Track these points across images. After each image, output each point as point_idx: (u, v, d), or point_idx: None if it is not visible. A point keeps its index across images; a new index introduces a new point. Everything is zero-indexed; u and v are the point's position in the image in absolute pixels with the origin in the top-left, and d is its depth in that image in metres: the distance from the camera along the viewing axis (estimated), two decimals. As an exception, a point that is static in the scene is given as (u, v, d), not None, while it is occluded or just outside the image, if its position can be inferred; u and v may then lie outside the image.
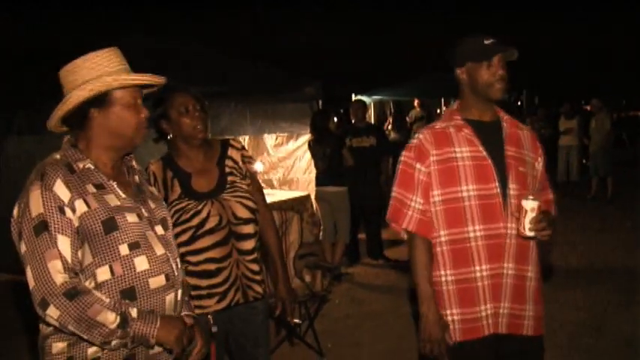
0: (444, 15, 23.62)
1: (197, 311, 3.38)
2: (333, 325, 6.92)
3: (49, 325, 2.47)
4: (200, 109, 3.61)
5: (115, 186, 2.60)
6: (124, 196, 2.60)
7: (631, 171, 16.29)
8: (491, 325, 3.22)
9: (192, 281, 3.48)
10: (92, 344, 2.46)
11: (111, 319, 2.37)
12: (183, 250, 3.45)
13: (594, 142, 13.98)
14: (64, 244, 2.39)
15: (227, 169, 3.71)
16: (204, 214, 3.54)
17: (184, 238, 3.51)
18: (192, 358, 2.72)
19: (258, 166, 7.83)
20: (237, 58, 10.16)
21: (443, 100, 21.00)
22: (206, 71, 8.18)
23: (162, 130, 3.65)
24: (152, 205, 2.77)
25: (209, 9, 20.06)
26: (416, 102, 18.98)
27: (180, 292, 2.73)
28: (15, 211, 2.47)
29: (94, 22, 15.74)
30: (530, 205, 3.02)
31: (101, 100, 2.53)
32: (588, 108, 15.63)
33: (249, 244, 3.67)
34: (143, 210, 2.67)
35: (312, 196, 8.74)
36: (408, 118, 19.03)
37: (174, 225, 3.36)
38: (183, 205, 3.54)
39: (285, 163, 10.32)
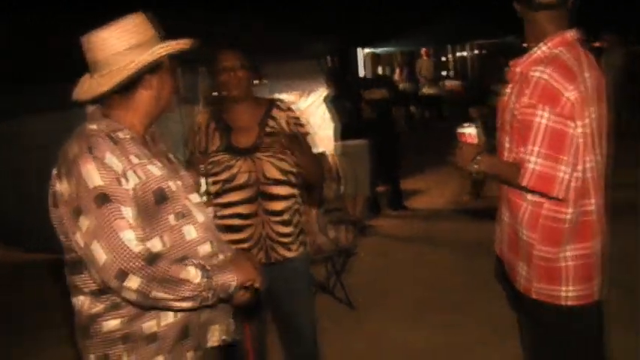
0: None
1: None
2: (360, 278, 6.95)
3: (97, 303, 2.43)
4: (240, 67, 3.62)
5: (150, 155, 2.56)
6: (160, 165, 2.56)
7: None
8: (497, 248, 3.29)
9: None
10: (148, 319, 2.44)
11: (193, 273, 2.33)
12: (213, 201, 3.48)
13: (607, 77, 13.77)
14: (129, 213, 2.32)
15: (268, 129, 3.69)
16: (235, 170, 3.56)
17: (214, 189, 3.53)
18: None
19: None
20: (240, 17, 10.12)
21: (450, 47, 20.90)
22: (212, 33, 8.13)
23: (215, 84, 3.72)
24: (183, 173, 2.76)
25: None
26: (423, 51, 18.87)
27: (219, 256, 2.73)
28: (63, 188, 2.38)
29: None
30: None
31: (155, 65, 2.51)
32: (596, 44, 15.34)
33: (278, 205, 3.65)
34: (178, 179, 2.64)
35: (328, 152, 8.74)
36: (417, 69, 18.97)
37: (209, 175, 3.44)
38: (218, 158, 3.58)
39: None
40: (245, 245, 3.59)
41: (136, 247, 2.27)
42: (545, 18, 2.92)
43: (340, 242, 6.93)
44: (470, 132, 3.05)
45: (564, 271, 2.94)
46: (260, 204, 3.62)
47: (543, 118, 2.73)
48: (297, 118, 3.84)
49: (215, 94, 3.74)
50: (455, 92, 18.89)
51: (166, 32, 2.65)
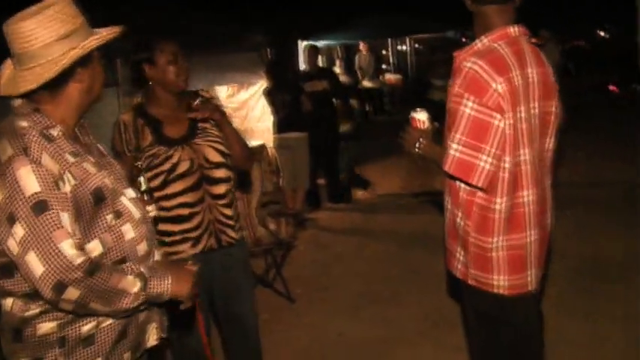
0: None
1: (172, 258, 3.40)
2: (300, 271, 6.96)
3: (31, 305, 2.33)
4: (184, 60, 3.62)
5: (83, 149, 2.45)
6: (94, 160, 2.45)
7: (577, 99, 16.54)
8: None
9: (166, 227, 3.50)
10: (86, 322, 2.36)
11: (132, 282, 2.27)
12: (156, 195, 3.41)
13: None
14: (67, 220, 2.21)
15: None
16: (175, 159, 3.52)
17: (156, 183, 3.48)
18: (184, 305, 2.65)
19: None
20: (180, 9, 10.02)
21: (390, 41, 21.02)
22: (152, 23, 8.02)
23: (144, 76, 3.61)
24: (115, 165, 2.66)
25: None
26: (362, 45, 18.94)
27: (157, 252, 2.67)
28: None
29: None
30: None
31: (86, 57, 2.39)
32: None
33: (221, 189, 3.66)
34: (112, 173, 2.54)
35: (269, 146, 8.73)
36: (356, 62, 19.04)
37: (147, 170, 3.40)
38: (154, 151, 3.52)
39: (238, 113, 10.23)
40: (195, 233, 3.58)
41: (76, 258, 2.18)
42: (492, 12, 2.94)
43: (280, 235, 6.93)
44: (420, 117, 3.12)
45: (496, 261, 2.97)
46: (205, 189, 3.61)
47: (467, 107, 2.77)
48: (221, 106, 3.86)
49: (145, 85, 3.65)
50: (395, 86, 19.05)
51: (101, 21, 2.56)
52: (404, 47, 22.14)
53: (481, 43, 2.94)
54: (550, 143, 3.10)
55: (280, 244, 6.57)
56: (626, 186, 8.72)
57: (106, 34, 2.44)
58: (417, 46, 21.57)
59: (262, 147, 8.42)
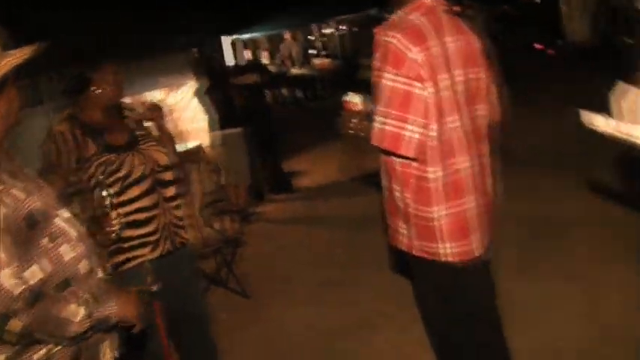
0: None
1: (131, 263, 3.46)
2: (252, 266, 6.93)
3: None
4: (119, 77, 3.68)
5: (9, 176, 2.32)
6: (22, 185, 2.34)
7: (506, 60, 16.81)
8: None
9: (125, 233, 3.45)
10: (38, 350, 2.26)
11: (75, 310, 2.22)
12: (114, 201, 3.39)
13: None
14: (5, 249, 2.13)
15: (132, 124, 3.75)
16: (128, 165, 3.52)
17: (114, 190, 3.45)
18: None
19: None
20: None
21: (315, 26, 21.02)
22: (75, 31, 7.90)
23: (84, 87, 3.60)
24: (46, 188, 2.58)
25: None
26: (286, 34, 18.93)
27: (97, 269, 2.62)
28: None
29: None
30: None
31: (1, 83, 2.25)
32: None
33: (172, 191, 3.70)
34: (43, 196, 2.42)
35: (206, 145, 8.68)
36: (283, 51, 19.04)
37: (105, 177, 3.41)
38: (103, 159, 3.49)
39: (171, 116, 10.17)
40: (154, 237, 3.58)
41: (16, 287, 2.11)
42: None
43: (226, 233, 6.91)
44: (353, 100, 3.13)
45: (439, 229, 3.01)
46: (159, 193, 3.63)
47: (388, 79, 2.81)
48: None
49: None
50: (325, 70, 19.07)
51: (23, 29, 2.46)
52: (331, 30, 22.14)
53: (397, 16, 2.98)
54: (482, 110, 3.14)
55: (228, 242, 6.54)
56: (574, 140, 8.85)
57: (20, 53, 2.29)
58: (342, 27, 21.56)
59: (199, 147, 8.37)
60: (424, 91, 2.83)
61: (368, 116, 3.07)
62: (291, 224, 8.43)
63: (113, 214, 3.26)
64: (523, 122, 11.05)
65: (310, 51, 21.14)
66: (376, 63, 2.89)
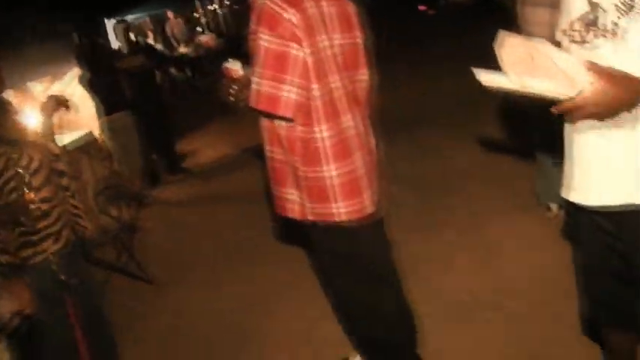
0: None
1: (39, 257, 3.34)
2: (153, 251, 6.86)
3: None
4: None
5: None
6: None
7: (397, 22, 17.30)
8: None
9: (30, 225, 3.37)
10: None
11: None
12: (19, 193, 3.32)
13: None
14: None
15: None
16: (26, 156, 3.39)
17: (16, 182, 3.35)
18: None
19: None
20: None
21: (198, 2, 20.82)
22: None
23: None
24: None
25: None
26: (169, 13, 18.70)
27: None
28: None
29: None
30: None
31: None
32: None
33: (66, 180, 3.62)
34: None
35: (96, 132, 8.50)
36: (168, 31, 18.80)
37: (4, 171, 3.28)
38: (1, 151, 3.36)
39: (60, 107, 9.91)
40: (56, 228, 3.47)
41: None
42: None
43: (124, 219, 6.80)
44: (232, 66, 3.10)
45: (331, 188, 3.04)
46: (55, 182, 3.54)
47: (264, 40, 2.81)
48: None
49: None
50: (211, 46, 18.94)
51: None
52: (215, 6, 21.95)
53: None
54: (362, 74, 3.19)
55: (125, 228, 6.45)
56: (460, 97, 9.08)
57: None
58: (226, 2, 21.41)
59: (89, 134, 8.17)
60: (300, 52, 2.84)
61: (248, 82, 3.09)
62: (188, 205, 8.36)
63: (31, 194, 3.19)
64: (408, 83, 11.36)
65: (199, 29, 20.95)
66: (252, 26, 2.89)
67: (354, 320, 3.59)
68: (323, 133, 2.98)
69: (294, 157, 3.05)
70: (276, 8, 2.81)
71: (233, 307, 5.22)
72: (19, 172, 3.33)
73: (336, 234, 3.17)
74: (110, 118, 8.36)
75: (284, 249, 5.87)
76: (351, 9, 3.14)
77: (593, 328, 3.05)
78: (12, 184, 3.26)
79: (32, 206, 3.29)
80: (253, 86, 2.84)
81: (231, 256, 6.22)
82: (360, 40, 3.16)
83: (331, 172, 3.03)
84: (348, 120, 3.05)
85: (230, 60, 3.13)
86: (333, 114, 2.99)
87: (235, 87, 3.08)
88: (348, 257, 3.27)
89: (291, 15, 2.81)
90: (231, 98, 3.08)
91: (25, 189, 3.25)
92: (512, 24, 4.28)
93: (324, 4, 2.96)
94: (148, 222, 7.74)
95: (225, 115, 9.37)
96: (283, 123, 3.00)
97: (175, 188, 9.27)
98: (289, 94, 2.84)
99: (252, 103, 2.87)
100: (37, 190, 3.42)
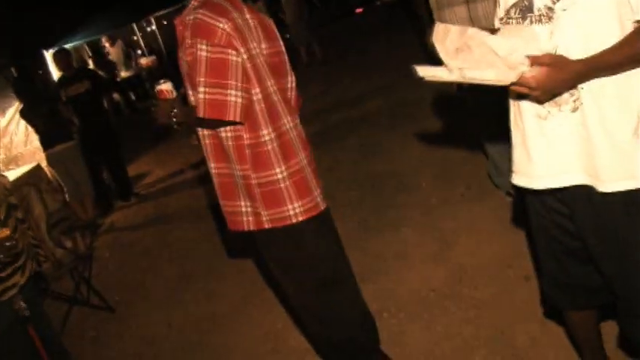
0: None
1: (9, 293, 3.34)
2: (112, 278, 6.83)
3: None
4: None
5: None
6: None
7: (332, 27, 17.35)
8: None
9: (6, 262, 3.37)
10: None
11: None
12: None
13: (289, 15, 14.49)
14: None
15: None
16: None
17: None
18: None
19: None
20: None
21: (135, 26, 20.70)
22: None
23: None
24: None
25: None
26: (104, 39, 18.68)
27: None
28: None
29: None
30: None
31: None
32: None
33: (20, 213, 3.62)
34: None
35: (43, 164, 8.44)
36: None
37: None
38: None
39: (2, 142, 9.82)
40: (21, 261, 3.46)
41: None
42: None
43: (79, 249, 6.76)
44: (165, 87, 3.13)
45: (286, 190, 3.09)
46: (14, 216, 3.52)
47: (203, 50, 2.85)
48: None
49: None
50: (151, 67, 18.90)
51: None
52: (153, 27, 21.82)
53: (194, 1, 3.04)
54: (291, 82, 3.28)
55: (82, 259, 6.38)
56: (398, 95, 9.18)
57: None
58: (165, 22, 21.27)
59: (37, 168, 8.10)
60: (239, 57, 2.90)
61: (182, 100, 3.12)
62: (144, 228, 8.31)
63: (5, 230, 3.19)
64: (347, 86, 11.47)
65: (137, 51, 20.84)
66: (187, 42, 2.91)
67: (312, 325, 3.60)
68: (270, 135, 3.03)
69: (246, 166, 3.06)
70: (210, 20, 2.87)
71: (196, 326, 5.21)
72: None
73: (292, 235, 3.20)
74: (55, 150, 8.32)
75: (239, 263, 5.89)
76: (271, 22, 3.22)
77: (553, 309, 3.10)
78: None
79: (7, 243, 3.28)
80: (199, 96, 2.86)
81: (188, 275, 6.21)
82: (283, 50, 3.25)
83: (283, 173, 3.07)
84: (288, 122, 3.12)
85: (161, 81, 3.15)
86: (275, 117, 3.05)
87: (175, 110, 3.10)
88: (304, 255, 3.29)
89: (224, 24, 2.86)
90: (172, 120, 3.10)
91: None
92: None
93: (247, 16, 3.03)
94: (104, 249, 7.68)
95: (168, 135, 9.37)
96: (229, 134, 3.03)
97: (130, 212, 9.22)
98: (236, 98, 2.88)
99: (200, 113, 2.87)
100: (3, 225, 3.42)
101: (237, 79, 2.88)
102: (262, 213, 3.14)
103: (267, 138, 3.03)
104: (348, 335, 3.45)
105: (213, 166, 3.20)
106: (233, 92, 2.88)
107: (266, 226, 3.16)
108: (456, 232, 5.07)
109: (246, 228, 3.22)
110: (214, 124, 3.00)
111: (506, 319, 3.85)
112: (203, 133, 3.13)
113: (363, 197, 6.27)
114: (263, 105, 3.00)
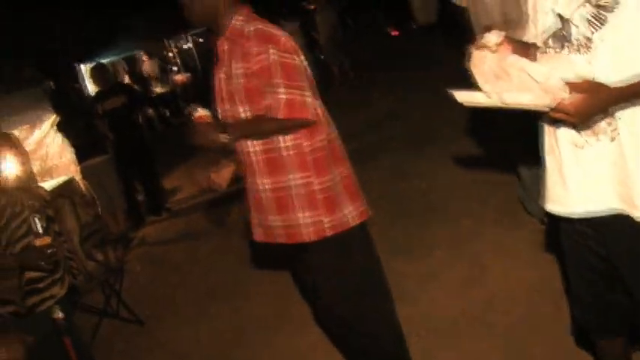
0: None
1: (47, 304, 3.40)
2: (143, 292, 6.86)
3: None
4: None
5: None
6: None
7: (366, 47, 17.46)
8: (255, 233, 3.40)
9: (35, 273, 3.41)
10: None
11: None
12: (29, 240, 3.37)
13: (322, 34, 14.58)
14: None
15: None
16: (25, 204, 3.46)
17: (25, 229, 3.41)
18: None
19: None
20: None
21: (170, 41, 20.87)
22: None
23: None
24: None
25: None
26: (142, 53, 18.80)
27: None
28: None
29: None
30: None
31: None
32: (312, 7, 16.28)
33: (57, 226, 3.69)
34: None
35: (77, 177, 8.51)
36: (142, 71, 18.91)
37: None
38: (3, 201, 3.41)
39: (37, 154, 9.88)
40: (59, 274, 3.52)
41: None
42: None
43: (110, 262, 6.80)
44: (202, 113, 3.20)
45: (343, 193, 3.19)
46: (52, 229, 3.56)
47: (275, 55, 2.95)
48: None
49: None
50: (185, 84, 19.02)
51: None
52: (189, 45, 21.95)
53: (236, 20, 3.11)
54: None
55: (112, 272, 6.43)
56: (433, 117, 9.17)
57: None
58: (200, 40, 21.42)
59: (71, 181, 8.18)
60: (302, 63, 3.06)
61: (219, 126, 3.16)
62: (175, 242, 8.36)
63: (45, 239, 3.25)
64: (380, 107, 11.47)
65: (173, 68, 20.98)
66: (252, 49, 2.99)
67: (348, 338, 3.59)
68: (325, 141, 3.14)
69: (307, 174, 3.13)
70: (271, 30, 3.04)
71: (224, 342, 5.22)
72: (26, 219, 3.36)
73: (350, 241, 3.27)
74: (89, 163, 8.39)
75: (268, 280, 5.91)
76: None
77: (583, 335, 3.07)
78: (21, 231, 3.29)
79: (49, 250, 3.31)
80: (279, 96, 2.96)
81: (217, 291, 6.22)
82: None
83: (342, 174, 3.20)
84: (334, 129, 3.24)
85: (197, 108, 3.20)
86: (327, 123, 3.18)
87: (213, 128, 3.14)
88: (348, 267, 3.32)
89: (284, 33, 3.04)
90: (216, 140, 3.13)
91: (33, 235, 3.28)
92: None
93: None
94: (135, 263, 7.73)
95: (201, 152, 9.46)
96: (289, 143, 3.09)
97: (161, 227, 9.28)
98: (310, 99, 3.02)
99: (279, 114, 2.96)
100: (44, 235, 3.45)
101: (305, 81, 3.02)
102: (324, 220, 3.17)
103: (324, 143, 3.13)
104: (384, 350, 3.46)
105: (266, 182, 3.21)
106: (307, 94, 3.01)
107: (327, 233, 3.18)
108: (487, 255, 5.04)
109: (306, 239, 3.22)
110: (285, 127, 3.05)
111: (534, 346, 3.82)
112: (254, 149, 3.17)
113: (392, 217, 6.26)
114: (320, 110, 3.11)
